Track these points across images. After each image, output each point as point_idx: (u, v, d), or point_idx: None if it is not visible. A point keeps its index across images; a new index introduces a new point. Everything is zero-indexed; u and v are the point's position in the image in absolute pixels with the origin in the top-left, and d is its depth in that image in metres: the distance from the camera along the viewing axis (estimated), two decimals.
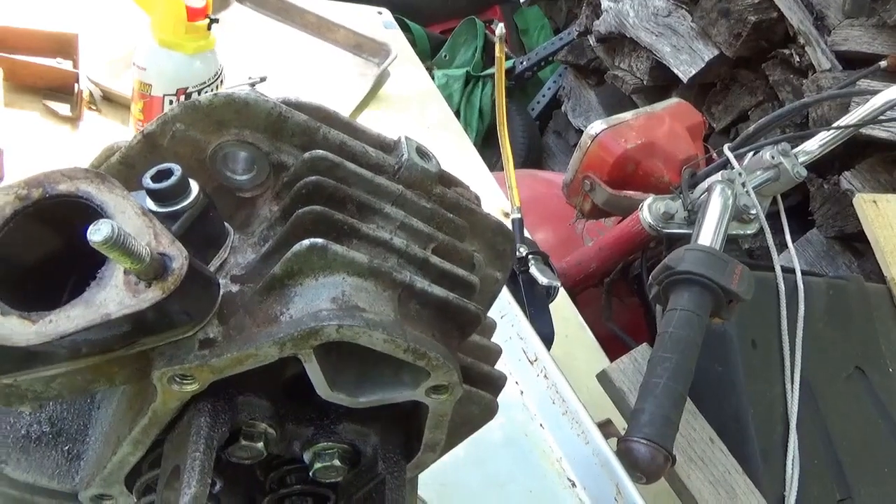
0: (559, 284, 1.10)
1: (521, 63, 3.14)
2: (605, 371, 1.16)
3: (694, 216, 1.39)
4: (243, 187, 0.42)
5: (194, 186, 0.37)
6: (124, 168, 0.40)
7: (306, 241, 0.35)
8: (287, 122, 0.40)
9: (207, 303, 0.35)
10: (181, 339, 0.35)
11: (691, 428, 1.11)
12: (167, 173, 0.35)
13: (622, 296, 1.78)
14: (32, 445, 0.42)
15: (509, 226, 1.22)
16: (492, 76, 3.03)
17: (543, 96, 3.21)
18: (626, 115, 1.72)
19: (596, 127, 1.67)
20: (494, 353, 0.49)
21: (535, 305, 1.09)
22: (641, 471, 0.92)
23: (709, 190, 1.30)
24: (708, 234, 1.18)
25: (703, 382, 1.17)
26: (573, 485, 0.85)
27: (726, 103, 2.44)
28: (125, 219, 0.32)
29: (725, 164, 1.50)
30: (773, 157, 1.48)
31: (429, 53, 3.15)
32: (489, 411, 0.47)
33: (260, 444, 0.39)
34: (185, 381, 0.35)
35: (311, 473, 0.42)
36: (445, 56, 3.17)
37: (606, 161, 1.63)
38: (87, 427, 0.44)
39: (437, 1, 3.20)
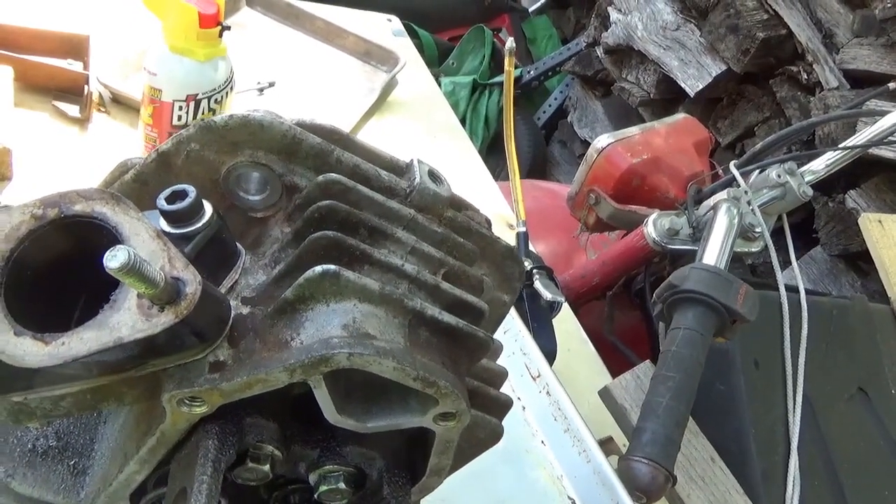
0: (563, 300, 1.10)
1: (529, 72, 3.14)
2: (606, 387, 1.16)
3: (699, 233, 1.39)
4: (255, 207, 0.42)
5: (208, 208, 0.37)
6: (138, 186, 0.40)
7: (319, 268, 0.35)
8: (301, 145, 0.40)
9: (219, 325, 0.35)
10: (191, 361, 0.35)
11: (692, 447, 1.11)
12: (182, 195, 0.36)
13: (624, 309, 1.78)
14: (39, 460, 0.42)
15: (513, 239, 1.22)
16: (499, 84, 3.03)
17: (550, 106, 3.21)
18: (633, 130, 1.72)
19: (602, 141, 1.67)
20: (500, 376, 0.49)
21: (539, 320, 1.09)
22: (642, 490, 0.91)
23: (714, 208, 1.30)
24: (713, 252, 1.18)
25: (704, 401, 1.17)
26: (574, 503, 0.85)
27: (733, 118, 2.45)
28: (139, 241, 0.32)
29: (731, 182, 1.50)
30: (779, 176, 1.48)
31: (436, 60, 3.15)
32: (495, 436, 0.47)
33: (266, 467, 0.39)
34: (194, 404, 0.35)
35: (316, 496, 0.42)
36: (453, 63, 3.18)
37: (612, 175, 1.63)
38: (94, 442, 0.44)
39: (445, 8, 3.21)
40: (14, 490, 0.42)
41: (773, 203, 1.49)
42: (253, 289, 0.39)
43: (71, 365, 0.32)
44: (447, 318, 0.38)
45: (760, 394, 1.26)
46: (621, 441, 1.06)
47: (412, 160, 0.44)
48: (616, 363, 1.43)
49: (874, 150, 1.95)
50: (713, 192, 1.50)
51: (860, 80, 2.05)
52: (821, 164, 1.54)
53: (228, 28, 1.02)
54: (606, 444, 1.01)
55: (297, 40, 1.55)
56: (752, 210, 1.45)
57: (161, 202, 0.36)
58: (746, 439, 1.20)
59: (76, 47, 1.23)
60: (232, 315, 0.36)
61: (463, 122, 2.88)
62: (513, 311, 1.01)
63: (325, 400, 0.36)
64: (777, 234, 1.46)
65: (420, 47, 2.77)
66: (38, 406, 0.35)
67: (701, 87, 2.38)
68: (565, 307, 1.40)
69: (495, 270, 0.49)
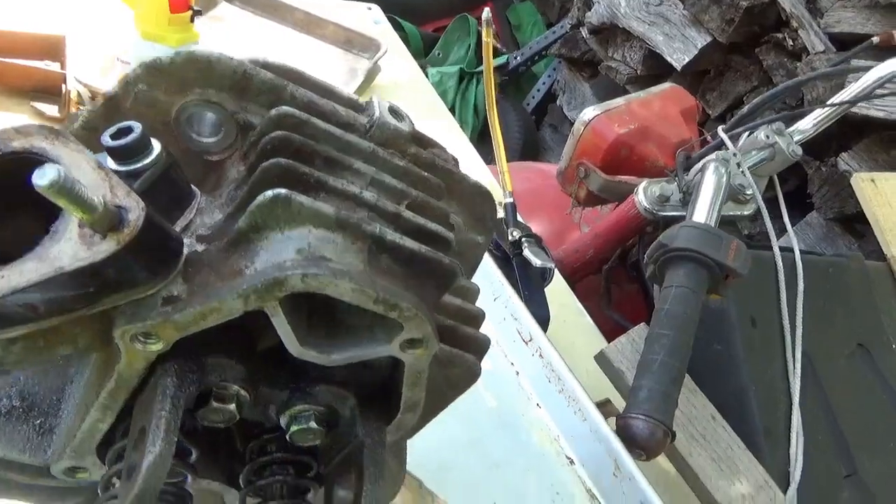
0: (553, 266, 1.09)
1: (515, 58, 3.13)
2: (602, 352, 1.15)
3: (689, 198, 1.37)
4: (210, 150, 0.41)
5: (156, 145, 0.36)
6: (86, 133, 0.39)
7: (269, 192, 0.34)
8: (253, 80, 0.39)
9: (169, 259, 0.35)
10: (144, 297, 0.34)
11: (692, 405, 1.10)
12: (127, 131, 0.35)
13: (621, 283, 1.77)
14: (2, 420, 0.41)
15: (501, 212, 1.21)
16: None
17: (538, 91, 3.20)
18: (619, 101, 1.71)
19: (588, 113, 1.66)
20: (477, 317, 0.48)
21: (530, 288, 1.08)
22: (641, 447, 0.90)
23: (703, 169, 1.29)
24: (702, 211, 1.17)
25: (702, 361, 1.16)
26: (571, 462, 0.84)
27: (721, 90, 2.43)
28: (81, 174, 0.31)
29: (720, 146, 1.49)
30: (767, 137, 1.47)
31: (422, 52, 3.14)
32: (472, 374, 0.46)
33: (232, 406, 0.38)
34: (148, 340, 0.34)
35: (287, 437, 0.41)
36: (439, 54, 3.17)
37: (600, 147, 1.62)
38: (61, 402, 0.43)
39: (428, 0, 3.20)
40: None
41: (763, 164, 1.48)
42: (208, 227, 0.38)
43: (14, 300, 0.31)
44: (409, 243, 0.37)
45: (759, 351, 1.25)
46: (620, 405, 1.05)
47: (372, 97, 0.43)
48: (615, 338, 1.42)
49: (863, 111, 1.94)
50: (702, 157, 1.48)
51: (846, 43, 2.03)
52: (809, 123, 1.53)
53: (199, 12, 1.02)
54: (604, 407, 1.00)
55: (277, 32, 1.55)
56: (742, 171, 1.43)
57: (106, 139, 0.35)
58: (747, 396, 1.19)
59: (52, 48, 1.23)
60: (185, 252, 0.36)
61: (452, 111, 2.87)
62: (503, 279, 1.00)
63: (284, 329, 0.35)
64: (771, 203, 1.45)
65: (406, 40, 2.76)
66: None
67: (687, 60, 2.36)
68: (560, 280, 1.39)
69: (466, 210, 0.48)
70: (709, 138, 1.67)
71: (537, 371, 0.91)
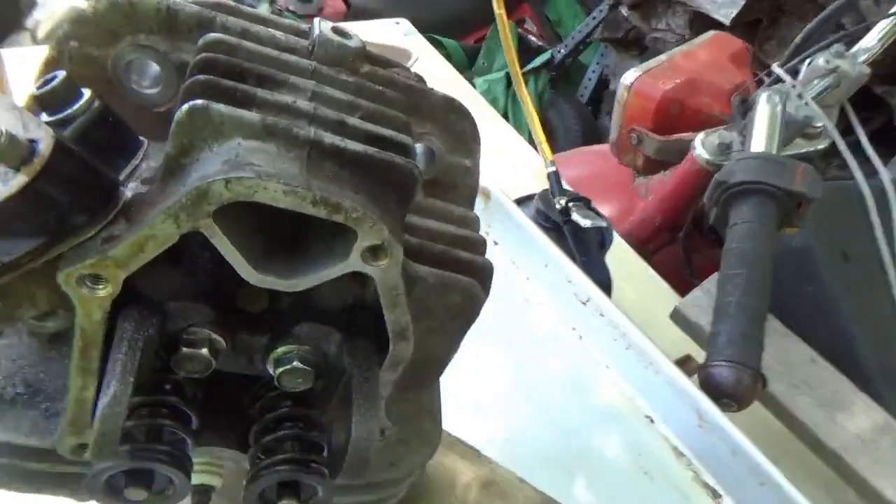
0: (606, 225, 1.02)
1: (559, 52, 3.07)
2: (677, 308, 1.07)
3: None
4: (157, 101, 0.40)
5: (86, 92, 0.35)
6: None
7: (185, 106, 0.32)
8: (179, 16, 0.38)
9: (104, 198, 0.33)
10: (85, 240, 0.33)
11: (786, 351, 1.00)
12: (50, 79, 0.34)
13: (701, 249, 1.66)
14: (6, 406, 0.41)
15: (545, 184, 1.16)
16: (532, 71, 2.99)
17: (589, 80, 3.12)
18: (660, 58, 1.63)
19: (629, 76, 1.59)
20: (476, 243, 0.44)
21: (588, 254, 1.02)
22: (729, 396, 0.82)
23: (754, 103, 1.19)
24: (759, 140, 1.08)
25: (793, 303, 1.06)
26: (651, 420, 0.77)
27: (778, 37, 2.28)
28: None
29: (777, 82, 1.39)
30: (827, 62, 1.35)
31: (466, 64, 3.15)
32: (473, 298, 0.42)
33: (204, 351, 0.36)
34: (96, 286, 0.33)
35: (276, 383, 0.38)
36: (483, 63, 3.16)
37: (647, 108, 1.55)
38: (66, 387, 0.42)
39: (464, 12, 3.21)
40: None
41: (829, 92, 1.36)
42: (153, 170, 0.36)
43: None
44: (353, 145, 0.34)
45: (859, 288, 1.13)
46: (702, 360, 0.97)
47: (314, 20, 0.41)
48: None
49: None
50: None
51: None
52: (873, 39, 1.40)
53: None
54: (686, 365, 0.92)
55: None
56: (806, 103, 1.32)
57: (33, 90, 0.34)
58: (852, 337, 1.07)
59: None
60: (128, 194, 0.34)
61: (505, 116, 2.84)
62: (550, 244, 0.95)
63: (230, 253, 0.33)
64: (854, 149, 1.33)
65: (448, 56, 2.78)
66: None
67: (735, 12, 2.24)
68: (626, 248, 1.32)
69: (441, 130, 0.44)
70: (764, 78, 1.56)
71: (601, 332, 0.85)
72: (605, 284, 0.99)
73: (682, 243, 1.67)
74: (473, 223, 0.47)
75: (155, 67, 0.39)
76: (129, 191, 0.35)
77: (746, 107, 1.39)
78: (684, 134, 1.55)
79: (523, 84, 1.23)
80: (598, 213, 1.03)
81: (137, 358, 0.33)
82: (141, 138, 0.38)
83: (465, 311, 0.42)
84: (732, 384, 0.84)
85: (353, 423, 0.35)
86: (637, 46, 2.88)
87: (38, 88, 0.34)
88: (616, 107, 1.60)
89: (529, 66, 3.00)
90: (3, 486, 0.45)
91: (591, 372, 0.82)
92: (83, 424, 0.40)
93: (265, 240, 0.35)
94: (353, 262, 0.34)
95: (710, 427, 0.76)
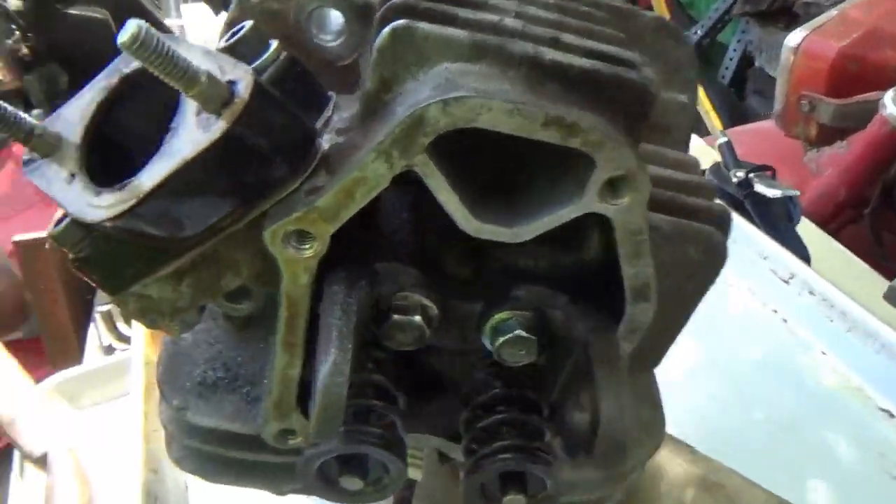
0: (797, 193, 0.90)
1: (695, 33, 2.88)
2: (892, 286, 0.92)
3: None
4: (341, 54, 0.37)
5: (272, 42, 0.32)
6: None
7: (386, 29, 0.28)
8: None
9: (303, 147, 0.30)
10: (287, 195, 0.30)
11: None
12: (237, 30, 0.31)
13: (893, 226, 1.45)
14: (209, 391, 0.39)
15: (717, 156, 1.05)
16: None
17: (731, 59, 2.90)
18: (830, 13, 1.45)
19: (795, 37, 1.43)
20: (706, 187, 0.37)
21: (776, 227, 0.90)
22: None
23: None
24: None
25: None
26: (890, 415, 0.65)
27: None
28: (189, 54, 0.28)
29: None
30: None
31: None
32: (714, 251, 0.35)
33: (418, 318, 0.32)
34: (302, 243, 0.29)
35: (495, 356, 0.33)
36: None
37: (820, 69, 1.38)
38: (263, 370, 0.40)
39: None
40: (191, 423, 0.39)
41: None
42: (346, 119, 0.33)
43: (153, 209, 0.28)
44: (579, 60, 0.28)
45: None
46: None
47: None
48: None
49: None
50: None
51: None
52: None
53: None
54: None
55: None
56: None
57: (220, 43, 0.32)
58: None
59: None
60: (325, 146, 0.31)
61: None
62: (738, 219, 0.84)
63: (447, 195, 0.28)
64: None
65: None
66: (159, 296, 0.32)
67: None
68: (809, 227, 1.16)
69: (653, 58, 0.38)
70: None
71: (811, 311, 0.73)
72: (804, 259, 0.86)
73: (869, 220, 1.47)
74: (694, 167, 0.40)
75: (336, 17, 0.36)
76: (326, 142, 0.31)
77: None
78: (868, 94, 1.37)
79: None
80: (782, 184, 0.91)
81: (353, 322, 0.29)
82: (328, 92, 0.35)
83: (702, 269, 0.35)
84: None
85: (602, 399, 0.29)
86: (785, 17, 2.63)
87: (226, 40, 0.32)
88: (781, 74, 1.44)
89: None
90: (207, 477, 0.43)
91: (803, 358, 0.71)
92: (288, 407, 0.37)
93: (474, 185, 0.30)
94: (589, 200, 0.28)
95: None
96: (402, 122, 0.26)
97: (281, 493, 0.47)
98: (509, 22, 0.30)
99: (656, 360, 0.41)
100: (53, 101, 1.83)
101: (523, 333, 0.33)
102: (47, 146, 0.30)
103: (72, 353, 1.17)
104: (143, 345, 0.75)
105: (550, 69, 0.28)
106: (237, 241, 0.31)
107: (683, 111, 0.40)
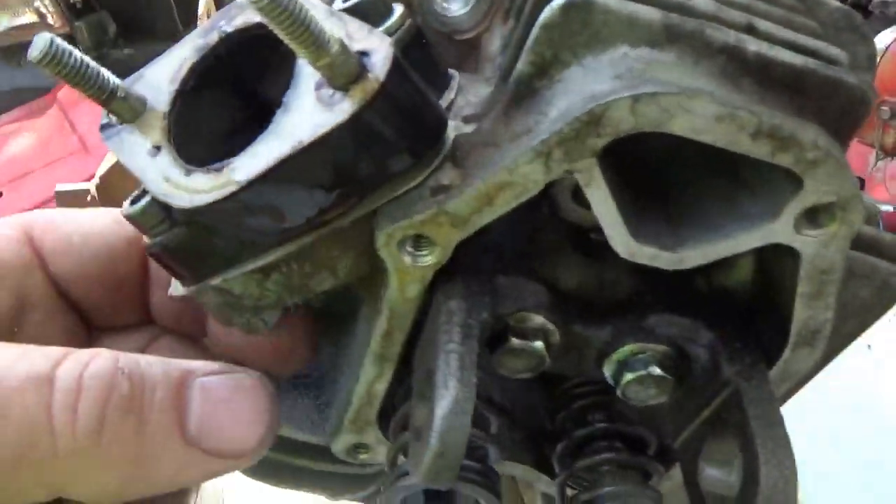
0: (889, 207, 0.83)
1: None
2: None
3: None
4: (463, 25, 0.32)
5: (397, 7, 0.27)
6: None
7: (559, 0, 0.22)
8: None
9: (431, 135, 0.25)
10: (407, 190, 0.25)
11: None
12: None
13: None
14: (285, 389, 0.35)
15: None
16: None
17: None
18: None
19: (885, 37, 1.34)
20: (872, 214, 0.32)
21: None
22: None
23: None
24: None
25: None
26: None
27: None
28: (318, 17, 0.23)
29: None
30: None
31: None
32: (888, 291, 0.29)
33: (539, 344, 0.27)
34: (420, 249, 0.25)
35: (619, 392, 0.29)
36: None
37: None
38: (336, 376, 0.36)
39: None
40: None
41: None
42: (475, 105, 0.28)
43: (251, 199, 0.23)
44: (788, 56, 0.23)
45: None
46: None
47: None
48: None
49: None
50: None
51: None
52: None
53: None
54: None
55: None
56: None
57: (337, 2, 0.27)
58: None
59: None
60: (451, 134, 0.26)
61: None
62: None
63: (608, 210, 0.23)
64: None
65: None
66: (242, 292, 0.28)
67: None
68: None
69: None
70: None
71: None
72: None
73: None
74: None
75: None
76: (451, 129, 0.26)
77: None
78: None
79: None
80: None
81: (475, 348, 0.24)
82: (451, 70, 0.30)
83: (868, 310, 0.30)
84: None
85: (761, 461, 0.24)
86: (858, 13, 2.49)
87: (345, 1, 0.27)
88: None
89: None
90: (265, 480, 0.40)
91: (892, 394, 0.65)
92: (366, 422, 0.32)
93: (632, 198, 0.25)
94: (781, 227, 0.23)
95: None
96: (575, 121, 0.21)
97: (336, 500, 0.44)
98: (700, 2, 0.24)
99: (785, 401, 0.36)
100: (100, 49, 1.80)
101: (657, 371, 0.28)
102: (130, 111, 0.26)
103: None
104: None
105: (752, 63, 0.23)
106: (339, 238, 0.26)
107: None
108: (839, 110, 0.24)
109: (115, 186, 1.17)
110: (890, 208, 0.82)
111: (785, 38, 0.25)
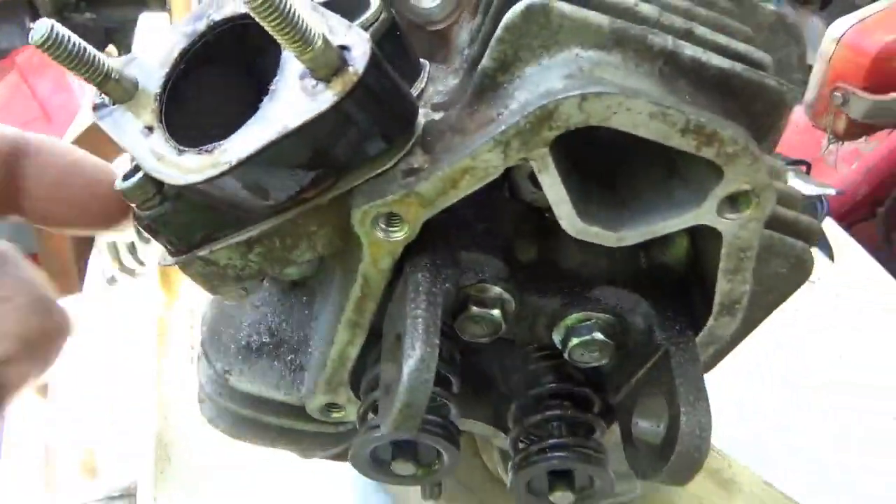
0: (832, 191, 0.88)
1: None
2: None
3: None
4: (434, 17, 0.34)
5: (374, 1, 0.30)
6: None
7: (520, 4, 0.25)
8: None
9: (403, 122, 0.28)
10: (381, 172, 0.27)
11: None
12: None
13: None
14: (253, 356, 0.38)
15: None
16: None
17: None
18: (877, 6, 1.41)
19: (839, 27, 1.39)
20: (795, 198, 0.35)
21: None
22: None
23: None
24: None
25: None
26: None
27: None
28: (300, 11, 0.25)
29: None
30: None
31: None
32: (801, 268, 0.33)
33: (496, 312, 0.30)
34: (391, 226, 0.28)
35: (566, 355, 0.32)
36: None
37: (860, 63, 1.34)
38: (308, 339, 0.38)
39: None
40: (233, 387, 0.38)
41: None
42: (443, 93, 0.31)
43: (240, 178, 0.26)
44: (717, 59, 0.26)
45: None
46: None
47: None
48: None
49: None
50: None
51: None
52: None
53: None
54: None
55: None
56: None
57: None
58: None
59: None
60: (422, 120, 0.28)
61: None
62: None
63: (558, 193, 0.26)
64: None
65: None
66: (227, 263, 0.30)
67: None
68: (827, 220, 1.15)
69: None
70: None
71: (836, 315, 0.73)
72: (829, 257, 0.86)
73: (882, 219, 1.47)
74: (782, 174, 0.38)
75: None
76: (422, 116, 0.29)
77: None
78: None
79: None
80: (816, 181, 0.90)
81: (438, 314, 0.27)
82: (422, 60, 0.33)
83: (784, 284, 0.34)
84: None
85: (682, 413, 0.28)
86: None
87: None
88: (818, 63, 1.40)
89: None
90: (240, 437, 0.42)
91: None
92: (339, 382, 0.35)
93: (581, 182, 0.28)
94: (705, 212, 0.26)
95: None
96: (532, 115, 0.24)
97: (308, 457, 0.47)
98: (644, 8, 0.27)
99: (710, 368, 0.40)
100: (61, 13, 1.76)
101: (599, 336, 0.31)
102: (122, 92, 0.28)
103: (72, 281, 1.14)
104: (157, 287, 0.73)
105: (687, 66, 0.26)
106: (318, 214, 0.29)
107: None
108: (761, 110, 0.27)
109: None
110: (833, 192, 0.87)
111: (718, 43, 0.28)
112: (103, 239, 1.10)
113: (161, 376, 0.66)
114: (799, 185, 0.87)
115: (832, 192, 0.86)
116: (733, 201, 0.26)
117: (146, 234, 0.30)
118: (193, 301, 0.76)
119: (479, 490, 0.53)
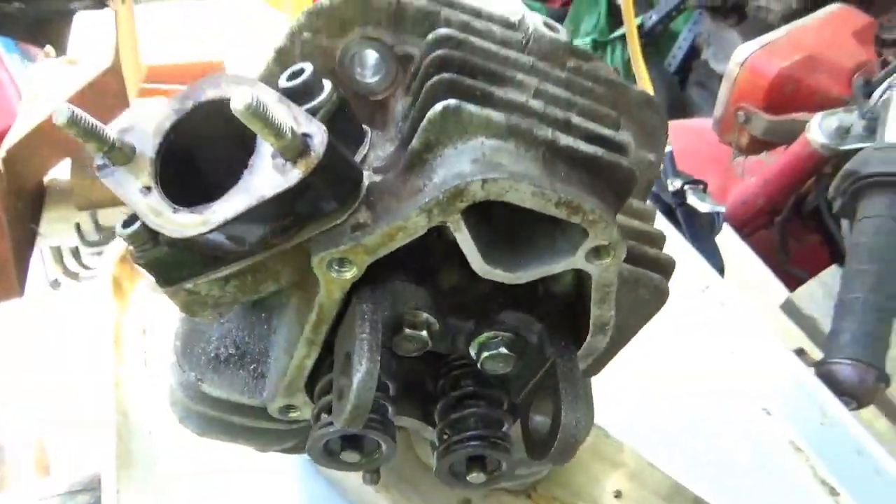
0: (723, 209, 1.01)
1: (650, 18, 2.97)
2: (789, 299, 1.05)
3: (874, 124, 1.22)
4: (375, 90, 0.42)
5: (327, 84, 0.37)
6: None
7: (439, 105, 0.34)
8: (407, 10, 0.40)
9: (352, 187, 0.36)
10: (334, 226, 0.35)
11: None
12: (299, 72, 0.36)
13: (799, 235, 1.62)
14: (222, 366, 0.45)
15: None
16: (620, 38, 2.91)
17: (680, 48, 3.01)
18: (779, 32, 1.57)
19: (744, 51, 1.54)
20: (657, 238, 0.45)
21: (699, 239, 1.02)
22: (849, 394, 0.81)
23: (891, 86, 1.14)
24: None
25: None
26: (768, 413, 0.77)
27: None
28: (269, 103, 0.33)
29: None
30: None
31: None
32: (660, 295, 0.43)
33: (424, 333, 0.39)
34: (342, 268, 0.35)
35: (479, 365, 0.41)
36: (570, 28, 3.09)
37: (760, 86, 1.50)
38: (268, 350, 0.46)
39: None
40: (205, 393, 0.45)
41: None
42: (382, 159, 0.39)
43: (225, 231, 0.33)
44: (585, 147, 0.35)
45: None
46: (815, 354, 0.96)
47: (521, 13, 0.42)
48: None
49: None
50: (888, 77, 1.31)
51: None
52: None
53: None
54: (799, 357, 0.91)
55: None
56: None
57: (282, 81, 0.36)
58: None
59: (215, 71, 1.34)
60: (365, 182, 0.36)
61: None
62: (668, 226, 0.94)
63: (468, 246, 0.35)
64: None
65: None
66: (207, 293, 0.38)
67: None
68: (728, 230, 1.29)
69: (633, 124, 0.45)
70: (890, 58, 1.48)
71: (720, 320, 0.85)
72: (718, 270, 0.98)
73: (779, 228, 1.63)
74: (650, 216, 0.48)
75: (375, 57, 0.41)
76: (366, 178, 0.37)
77: (870, 88, 1.33)
78: (797, 114, 1.50)
79: (640, 57, 1.21)
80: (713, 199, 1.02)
81: (379, 336, 0.35)
82: (365, 127, 0.41)
83: (648, 307, 0.44)
84: (855, 383, 0.83)
85: (563, 410, 0.37)
86: (735, 14, 2.75)
87: (288, 80, 0.36)
88: (725, 83, 1.55)
89: (617, 33, 2.91)
90: (207, 435, 0.49)
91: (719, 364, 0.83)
92: (296, 388, 0.43)
93: (488, 233, 0.37)
94: (577, 259, 0.36)
95: (833, 424, 0.75)
96: (447, 191, 0.32)
97: (266, 451, 0.54)
98: (533, 103, 0.36)
99: (596, 372, 0.49)
100: None
101: (505, 351, 0.40)
102: (123, 157, 0.35)
103: (11, 284, 1.15)
104: (109, 294, 0.78)
105: (563, 152, 0.35)
106: (283, 256, 0.37)
107: (650, 168, 0.48)
108: (618, 183, 0.37)
109: (24, 162, 1.17)
110: (723, 209, 1.00)
111: (588, 130, 0.37)
112: (46, 242, 1.12)
113: (118, 377, 0.71)
114: (696, 202, 0.99)
115: (721, 209, 0.99)
116: (597, 252, 0.36)
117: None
118: (144, 308, 0.81)
119: (411, 477, 0.61)
